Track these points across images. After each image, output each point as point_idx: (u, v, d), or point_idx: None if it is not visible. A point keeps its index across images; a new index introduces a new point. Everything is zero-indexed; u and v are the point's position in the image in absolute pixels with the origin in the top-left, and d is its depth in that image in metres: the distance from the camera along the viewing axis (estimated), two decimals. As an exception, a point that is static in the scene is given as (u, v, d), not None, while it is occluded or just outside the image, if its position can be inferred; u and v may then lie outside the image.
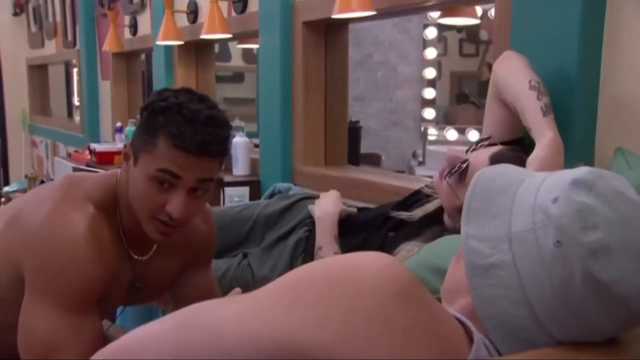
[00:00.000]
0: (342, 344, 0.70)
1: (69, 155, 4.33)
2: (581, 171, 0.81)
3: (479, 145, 1.62)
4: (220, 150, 1.30)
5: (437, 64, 5.43)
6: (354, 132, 3.25)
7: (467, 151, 1.64)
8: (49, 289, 1.25)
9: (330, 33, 2.76)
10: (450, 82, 6.36)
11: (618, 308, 0.77)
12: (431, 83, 5.40)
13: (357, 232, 1.89)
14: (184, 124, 1.24)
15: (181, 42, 3.54)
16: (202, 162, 1.27)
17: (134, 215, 1.35)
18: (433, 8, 2.40)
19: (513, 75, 1.50)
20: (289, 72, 2.77)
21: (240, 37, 3.42)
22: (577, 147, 1.54)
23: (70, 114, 6.33)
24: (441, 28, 5.68)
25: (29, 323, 1.25)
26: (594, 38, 1.53)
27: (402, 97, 5.48)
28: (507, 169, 0.91)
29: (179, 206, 1.28)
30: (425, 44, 5.35)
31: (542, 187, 0.82)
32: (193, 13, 3.51)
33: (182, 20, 3.59)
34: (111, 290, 1.36)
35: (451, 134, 5.59)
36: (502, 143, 1.60)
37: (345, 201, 2.29)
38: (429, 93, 5.38)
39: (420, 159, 5.60)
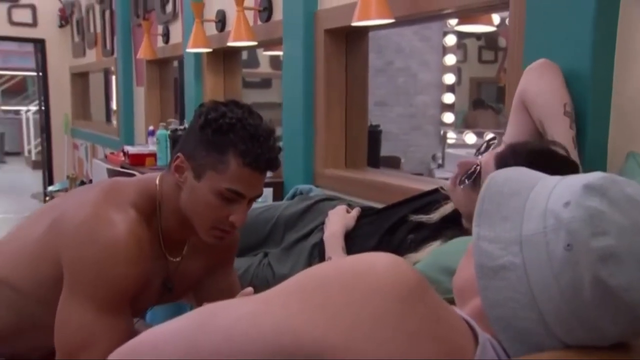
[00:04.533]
0: (350, 345, 0.68)
1: (106, 157, 4.34)
2: (594, 176, 0.76)
3: (488, 147, 1.55)
4: (279, 164, 1.36)
5: (456, 70, 5.35)
6: (374, 135, 3.19)
7: (476, 154, 1.56)
8: (86, 287, 1.24)
9: (351, 40, 2.71)
10: (470, 88, 6.27)
11: (626, 314, 0.73)
12: (450, 88, 5.32)
13: (370, 236, 1.83)
14: (251, 142, 1.26)
15: (209, 50, 3.53)
16: (263, 177, 1.33)
17: (173, 219, 1.36)
18: (450, 16, 2.33)
19: (547, 94, 1.40)
20: (312, 78, 2.73)
21: (265, 45, 3.39)
22: (589, 151, 1.47)
23: (108, 119, 6.36)
24: (461, 36, 5.61)
25: (65, 319, 1.24)
26: (606, 43, 1.46)
27: (422, 102, 5.41)
28: (520, 172, 0.86)
29: (242, 218, 1.33)
30: (444, 51, 5.27)
31: (554, 191, 0.77)
32: (221, 22, 3.49)
33: (211, 29, 3.57)
34: (145, 290, 1.35)
35: (470, 137, 5.53)
36: None
37: (364, 202, 2.25)
38: (448, 98, 5.31)
39: (440, 161, 5.54)
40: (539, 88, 1.42)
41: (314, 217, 2.01)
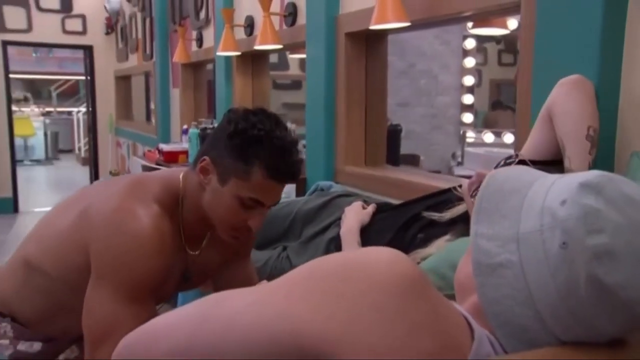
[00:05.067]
0: (349, 337, 0.65)
1: (144, 154, 4.35)
2: (591, 175, 0.72)
3: (506, 165, 1.47)
4: (299, 175, 1.36)
5: (475, 72, 5.25)
6: (394, 134, 3.14)
7: (495, 167, 1.49)
8: (112, 277, 1.22)
9: (371, 43, 2.66)
10: (490, 89, 6.19)
11: (622, 312, 0.68)
12: (470, 90, 5.23)
13: (384, 232, 1.79)
14: (276, 155, 1.26)
15: (238, 53, 3.51)
16: (283, 187, 1.33)
17: (194, 215, 1.36)
18: (463, 19, 2.26)
19: (574, 114, 1.32)
20: (333, 80, 2.69)
21: (290, 48, 3.36)
22: (597, 153, 1.40)
23: (148, 118, 6.39)
24: (481, 40, 5.52)
25: (92, 306, 1.23)
26: (614, 47, 1.40)
27: (443, 103, 5.33)
28: (520, 171, 0.82)
29: (260, 223, 1.34)
30: (464, 54, 5.18)
31: (552, 189, 0.73)
32: (249, 27, 3.46)
33: (240, 34, 3.55)
34: (166, 280, 1.34)
35: (488, 136, 5.44)
36: (539, 162, 1.41)
37: (382, 199, 2.20)
38: (468, 99, 5.22)
39: (459, 159, 5.47)
40: (568, 106, 1.34)
41: (331, 213, 1.97)
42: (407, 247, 1.63)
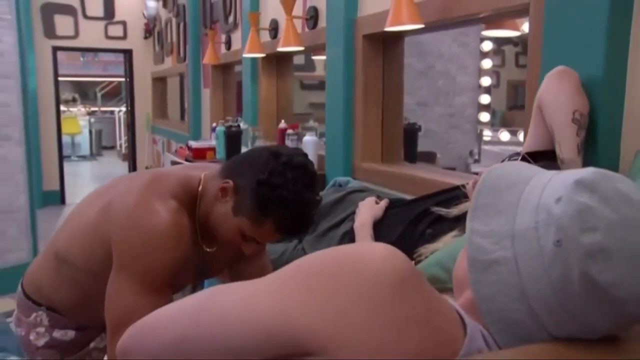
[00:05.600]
0: (339, 331, 0.62)
1: (176, 151, 4.35)
2: (586, 172, 0.67)
3: (511, 160, 1.43)
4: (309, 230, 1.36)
5: (493, 73, 5.14)
6: (412, 132, 3.08)
7: None
8: (131, 268, 1.21)
9: (388, 44, 2.60)
10: (507, 90, 6.08)
11: (614, 309, 0.64)
12: (487, 90, 5.13)
13: (396, 226, 1.74)
14: (294, 217, 1.23)
15: (263, 55, 3.48)
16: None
17: (208, 215, 1.34)
18: (476, 22, 2.19)
19: (560, 100, 1.30)
20: (351, 80, 2.64)
21: (312, 50, 3.32)
22: (602, 153, 1.34)
23: (182, 117, 6.41)
24: (499, 42, 5.41)
25: (112, 295, 1.23)
26: (619, 49, 1.33)
27: (461, 102, 5.24)
28: (517, 167, 0.77)
29: (253, 252, 1.35)
30: (482, 55, 5.08)
31: (548, 186, 0.68)
32: (274, 30, 3.43)
33: (266, 36, 3.52)
34: (183, 272, 1.32)
35: (504, 135, 5.34)
36: (539, 153, 1.39)
37: (397, 194, 2.15)
38: (485, 99, 5.11)
39: (476, 157, 5.38)
40: (554, 94, 1.32)
41: (345, 208, 1.92)
42: (416, 241, 1.59)
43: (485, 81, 5.08)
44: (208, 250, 1.39)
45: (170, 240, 1.21)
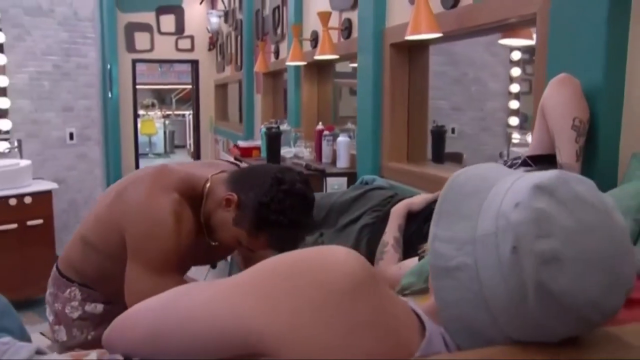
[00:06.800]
0: (290, 333, 0.57)
1: (229, 149, 4.39)
2: (546, 175, 0.60)
3: (511, 167, 1.35)
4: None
5: (521, 81, 4.94)
6: (439, 134, 2.98)
7: None
8: (141, 255, 1.24)
9: (413, 53, 2.54)
10: (535, 96, 5.81)
11: (570, 317, 0.57)
12: (516, 96, 4.93)
13: (415, 220, 1.67)
14: (287, 238, 1.24)
15: (304, 63, 3.45)
16: None
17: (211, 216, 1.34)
18: (491, 31, 2.09)
19: (561, 106, 1.23)
20: (380, 85, 2.59)
21: (346, 58, 3.26)
22: (602, 157, 1.25)
23: (240, 120, 6.47)
24: (530, 52, 5.19)
25: (128, 283, 1.26)
26: (618, 56, 1.25)
27: (492, 107, 5.06)
28: (485, 170, 0.69)
29: (246, 254, 1.39)
30: (512, 64, 4.89)
31: (510, 190, 0.61)
32: (314, 40, 3.40)
33: (308, 46, 3.49)
34: (189, 257, 1.32)
35: (531, 138, 5.10)
36: (541, 156, 1.31)
37: (420, 192, 2.09)
38: (514, 104, 4.92)
39: (505, 158, 5.16)
40: (555, 101, 1.25)
41: (364, 204, 1.87)
42: (424, 237, 1.53)
43: (514, 88, 4.89)
44: (213, 244, 1.39)
45: (173, 227, 1.23)
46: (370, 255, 1.67)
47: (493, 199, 0.61)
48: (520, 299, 0.57)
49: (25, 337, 0.95)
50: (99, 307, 1.46)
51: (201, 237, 1.34)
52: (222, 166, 1.42)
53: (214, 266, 1.53)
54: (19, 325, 0.97)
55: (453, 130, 5.02)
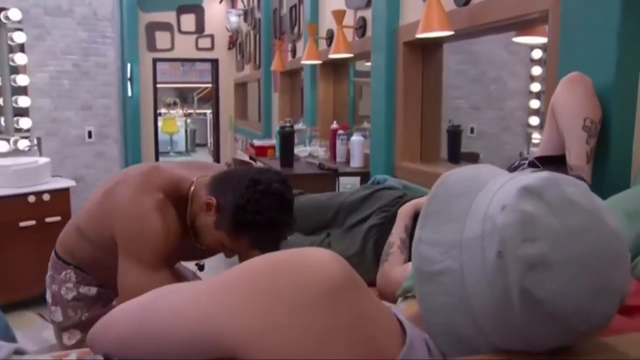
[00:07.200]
0: (262, 335, 0.55)
1: (246, 148, 4.40)
2: (535, 177, 0.57)
3: (516, 168, 1.31)
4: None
5: (542, 80, 4.83)
6: (455, 134, 2.92)
7: (509, 168, 1.32)
8: (129, 251, 1.28)
9: (427, 51, 2.50)
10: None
11: (556, 324, 0.54)
12: (536, 96, 4.82)
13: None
14: (267, 237, 1.25)
15: (320, 62, 3.44)
16: None
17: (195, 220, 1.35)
18: (503, 29, 2.05)
19: (571, 106, 1.19)
20: (393, 84, 2.56)
21: (361, 57, 3.24)
22: (614, 159, 1.21)
23: (259, 119, 6.48)
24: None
25: (120, 278, 1.29)
26: (631, 54, 1.21)
27: (512, 107, 4.95)
28: (475, 171, 0.66)
29: (232, 256, 1.37)
30: (532, 63, 4.79)
31: (498, 192, 0.58)
32: (329, 39, 3.38)
33: (324, 45, 3.47)
34: (176, 253, 1.36)
35: (551, 138, 4.98)
36: (549, 158, 1.27)
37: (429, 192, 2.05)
38: (534, 104, 4.81)
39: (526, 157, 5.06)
40: (566, 100, 1.21)
41: (372, 204, 1.85)
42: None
43: (535, 87, 4.79)
44: (200, 247, 1.41)
45: (158, 224, 1.26)
46: (377, 256, 1.65)
47: (481, 200, 0.59)
48: (505, 306, 0.54)
49: (9, 337, 0.95)
50: (93, 290, 1.52)
51: (187, 238, 1.36)
52: (214, 169, 1.44)
53: (201, 269, 1.55)
54: (3, 324, 0.98)
55: (472, 130, 4.95)
